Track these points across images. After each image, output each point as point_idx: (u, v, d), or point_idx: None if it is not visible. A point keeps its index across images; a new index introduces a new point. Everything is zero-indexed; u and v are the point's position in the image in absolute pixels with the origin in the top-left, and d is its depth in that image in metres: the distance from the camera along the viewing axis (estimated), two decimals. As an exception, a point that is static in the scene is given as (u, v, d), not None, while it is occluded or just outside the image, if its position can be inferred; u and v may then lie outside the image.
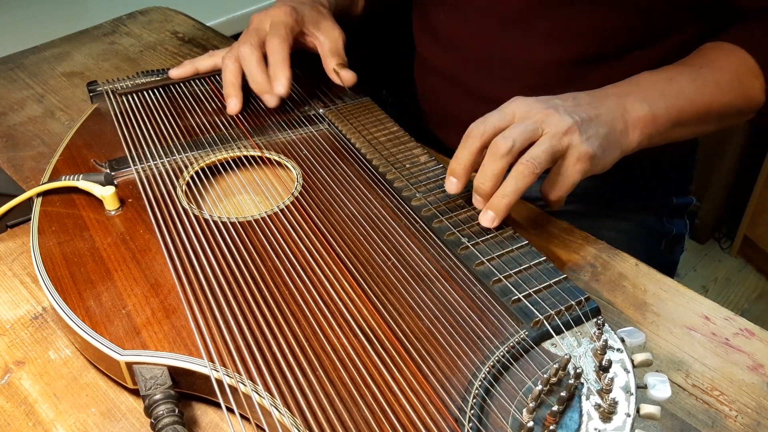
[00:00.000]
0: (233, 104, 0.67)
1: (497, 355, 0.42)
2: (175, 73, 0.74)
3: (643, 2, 0.66)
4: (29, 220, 0.60)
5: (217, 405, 0.43)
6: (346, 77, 0.69)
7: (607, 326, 0.43)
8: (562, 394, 0.38)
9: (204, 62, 0.74)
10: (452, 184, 0.54)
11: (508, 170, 0.51)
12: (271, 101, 0.67)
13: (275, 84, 0.65)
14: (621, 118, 0.57)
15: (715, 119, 0.63)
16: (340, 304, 0.46)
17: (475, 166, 0.53)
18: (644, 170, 0.81)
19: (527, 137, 0.51)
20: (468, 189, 0.54)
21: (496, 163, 0.50)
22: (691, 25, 0.69)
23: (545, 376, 0.39)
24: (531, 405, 0.38)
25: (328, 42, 0.70)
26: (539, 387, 0.38)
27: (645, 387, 0.39)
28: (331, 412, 0.39)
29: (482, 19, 0.72)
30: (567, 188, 0.53)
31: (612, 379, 0.38)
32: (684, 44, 0.69)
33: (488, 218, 0.51)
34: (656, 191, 0.81)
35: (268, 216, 0.54)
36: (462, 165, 0.53)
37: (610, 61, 0.68)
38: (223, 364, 0.42)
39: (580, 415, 0.38)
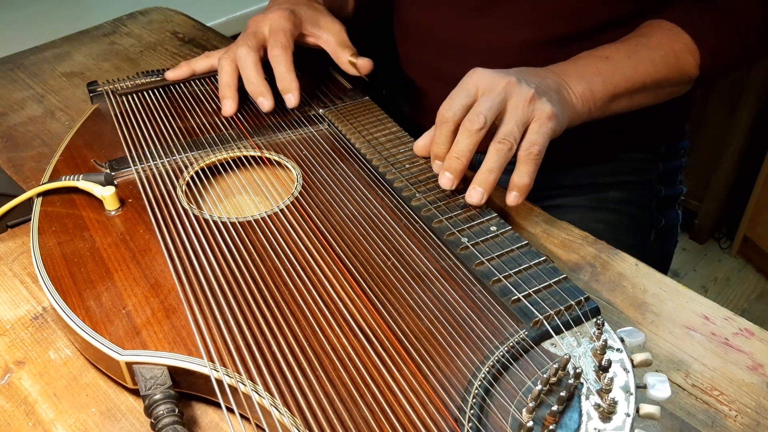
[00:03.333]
0: (228, 105, 0.67)
1: (497, 355, 0.42)
2: (171, 74, 0.74)
3: None
4: (29, 220, 0.60)
5: (217, 405, 0.43)
6: (362, 65, 0.69)
7: (606, 326, 0.43)
8: (562, 394, 0.38)
9: (200, 63, 0.74)
10: (439, 166, 0.57)
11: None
12: (265, 104, 0.66)
13: (286, 96, 0.66)
14: (564, 90, 0.61)
15: (651, 92, 0.67)
16: (340, 304, 0.46)
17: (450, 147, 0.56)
18: (630, 159, 0.81)
19: (496, 110, 0.54)
20: (464, 189, 0.54)
21: (470, 138, 0.54)
22: (662, 5, 0.70)
23: (545, 376, 0.39)
24: (531, 405, 0.38)
25: (333, 37, 0.70)
26: (539, 387, 0.38)
27: (644, 387, 0.40)
28: (331, 412, 0.39)
29: (452, 7, 0.74)
30: (542, 145, 0.55)
31: (611, 379, 0.38)
32: None
33: (477, 194, 0.53)
34: (643, 182, 0.82)
35: (268, 216, 0.54)
36: (443, 148, 0.56)
37: (584, 41, 0.69)
38: (223, 364, 0.42)
39: (580, 415, 0.38)
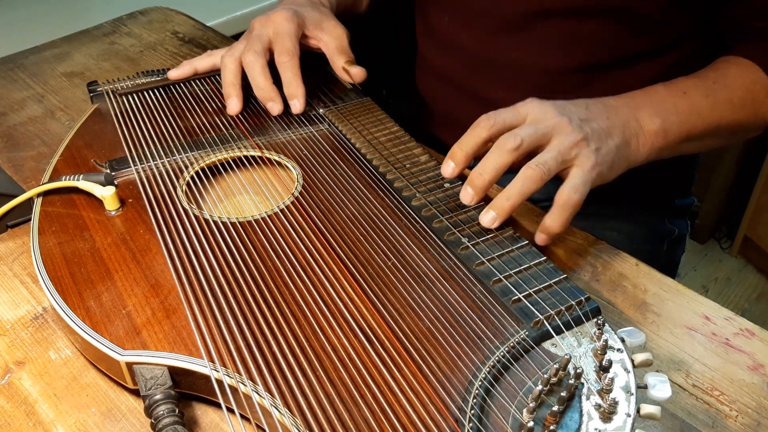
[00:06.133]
0: (233, 104, 0.67)
1: (497, 355, 0.42)
2: (173, 73, 0.74)
3: (642, 14, 0.66)
4: (29, 220, 0.60)
5: (218, 405, 0.43)
6: (356, 73, 0.68)
7: (607, 326, 0.43)
8: (563, 394, 0.38)
9: (202, 62, 0.74)
10: (449, 168, 0.54)
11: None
12: (275, 109, 0.67)
13: (292, 102, 0.67)
14: (632, 131, 0.57)
15: (724, 135, 0.64)
16: (340, 304, 0.46)
17: (475, 155, 0.54)
18: (647, 172, 0.81)
19: (536, 140, 0.51)
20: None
21: (502, 157, 0.51)
22: (696, 38, 0.69)
23: (545, 376, 0.39)
24: (531, 405, 0.38)
25: (333, 41, 0.69)
26: (539, 387, 0.38)
27: (645, 387, 0.40)
28: (331, 412, 0.39)
29: (484, 23, 0.72)
30: (581, 194, 0.52)
31: (612, 379, 0.38)
32: (690, 56, 0.69)
33: (489, 218, 0.51)
34: (659, 192, 0.81)
35: (268, 216, 0.54)
36: (464, 151, 0.53)
37: (614, 71, 0.68)
38: (224, 364, 0.42)
39: (581, 415, 0.38)
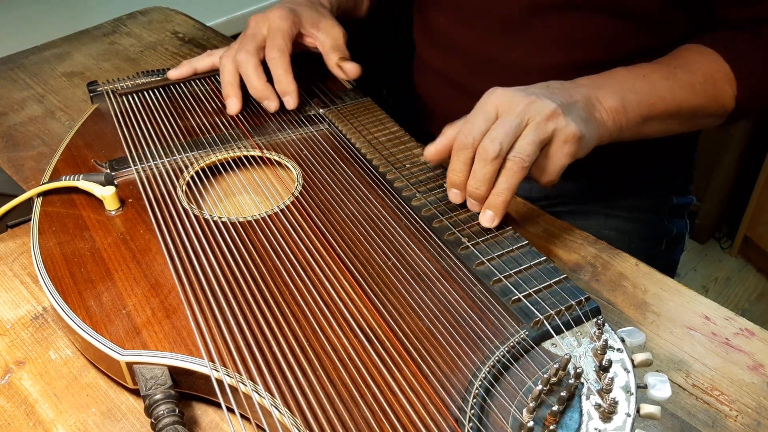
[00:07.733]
0: (233, 104, 0.67)
1: (497, 355, 0.42)
2: (173, 73, 0.74)
3: (640, 11, 0.66)
4: (29, 220, 0.60)
5: (218, 405, 0.43)
6: (349, 69, 0.68)
7: (607, 326, 0.43)
8: (563, 393, 0.38)
9: (202, 62, 0.74)
10: (456, 195, 0.54)
11: None
12: (271, 106, 0.67)
13: (285, 98, 0.67)
14: (595, 106, 0.58)
15: (685, 119, 0.64)
16: (340, 304, 0.46)
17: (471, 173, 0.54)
18: (644, 170, 0.81)
19: (513, 135, 0.51)
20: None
21: (487, 167, 0.51)
22: (694, 36, 0.69)
23: (545, 375, 0.39)
24: (531, 405, 0.38)
25: (328, 40, 0.70)
26: (539, 387, 0.38)
27: (645, 387, 0.40)
28: (331, 412, 0.39)
29: (482, 22, 0.72)
30: (556, 171, 0.53)
31: (612, 379, 0.38)
32: None
33: (488, 218, 0.52)
34: (657, 191, 0.81)
35: (269, 216, 0.54)
36: (461, 177, 0.53)
37: (612, 67, 0.68)
38: (224, 364, 0.42)
39: (581, 415, 0.38)
